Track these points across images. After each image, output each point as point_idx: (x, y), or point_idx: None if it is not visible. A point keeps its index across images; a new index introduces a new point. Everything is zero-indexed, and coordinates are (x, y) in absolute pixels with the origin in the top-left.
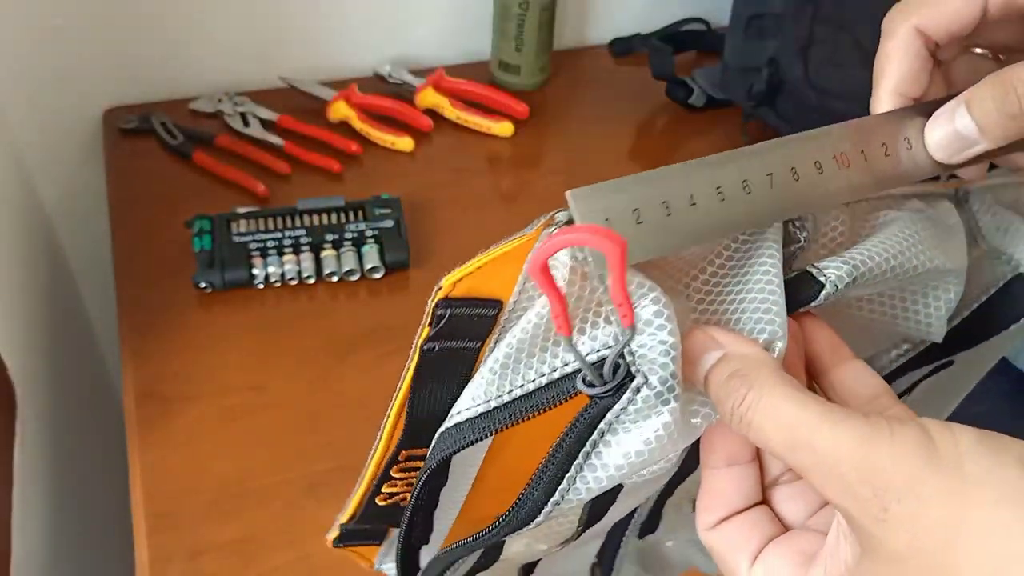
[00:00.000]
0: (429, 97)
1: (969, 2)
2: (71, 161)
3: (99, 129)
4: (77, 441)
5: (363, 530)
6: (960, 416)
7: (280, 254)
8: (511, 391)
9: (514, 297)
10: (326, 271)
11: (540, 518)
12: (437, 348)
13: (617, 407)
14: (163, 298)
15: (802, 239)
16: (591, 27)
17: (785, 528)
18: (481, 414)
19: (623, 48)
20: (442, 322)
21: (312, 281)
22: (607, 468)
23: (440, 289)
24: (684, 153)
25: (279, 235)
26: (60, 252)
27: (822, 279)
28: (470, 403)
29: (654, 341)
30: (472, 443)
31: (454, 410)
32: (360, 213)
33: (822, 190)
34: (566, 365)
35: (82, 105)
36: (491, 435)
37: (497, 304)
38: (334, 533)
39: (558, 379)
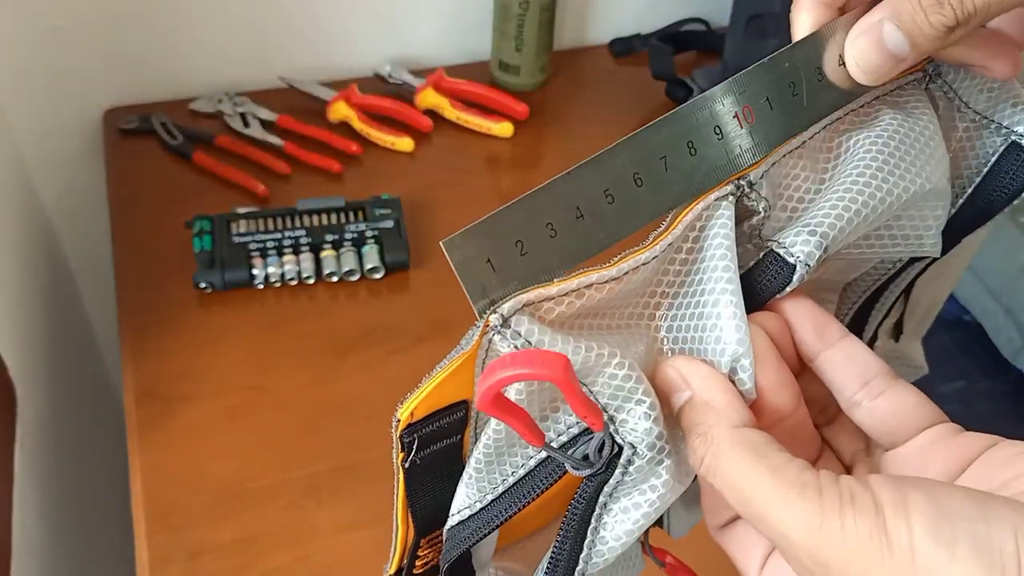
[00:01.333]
0: (429, 97)
1: None
2: (71, 161)
3: (99, 129)
4: (77, 441)
5: None
6: (962, 417)
7: (280, 254)
8: (504, 480)
9: (477, 392)
10: (326, 271)
11: None
12: (419, 461)
13: (612, 481)
14: (163, 298)
15: (761, 209)
16: (591, 27)
17: None
18: (480, 510)
19: (623, 48)
20: (413, 446)
21: (312, 281)
22: (619, 537)
23: (399, 421)
24: None
25: (279, 235)
26: (60, 252)
27: (791, 260)
28: (465, 501)
29: (635, 414)
30: (481, 538)
31: (453, 509)
32: (360, 213)
33: (723, 158)
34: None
35: (82, 105)
36: (496, 528)
37: (462, 404)
38: None
39: (544, 459)
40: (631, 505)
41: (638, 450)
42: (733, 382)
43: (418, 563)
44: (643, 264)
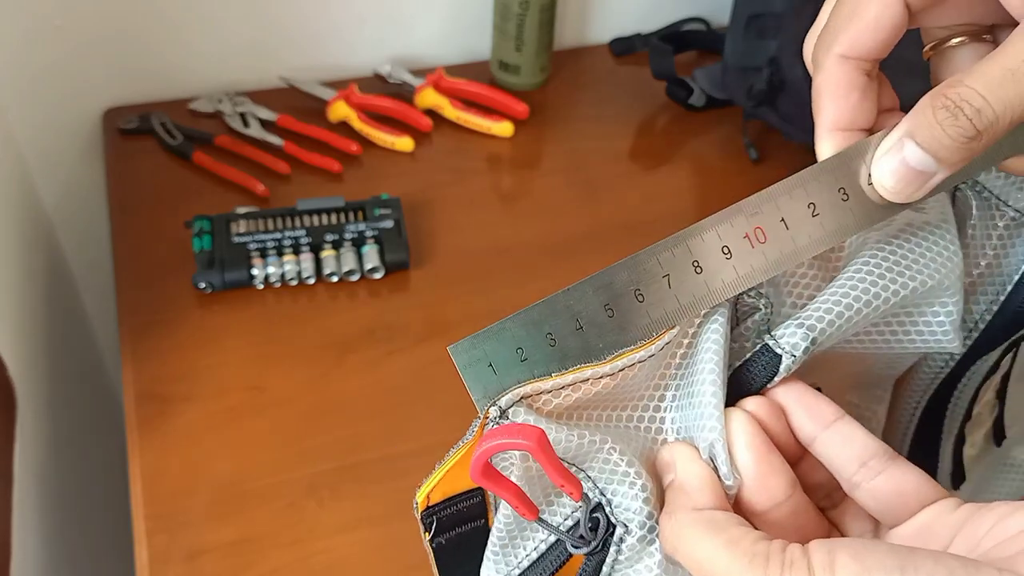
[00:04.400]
0: (429, 97)
1: (886, 4)
2: (71, 161)
3: (99, 129)
4: (77, 441)
5: None
6: None
7: (280, 254)
8: (519, 564)
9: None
10: (326, 271)
11: None
12: (445, 541)
13: (609, 559)
14: (163, 298)
15: (761, 306)
16: (591, 27)
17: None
18: None
19: (623, 48)
20: (434, 526)
21: (312, 281)
22: None
23: (417, 505)
24: (685, 153)
25: (279, 235)
26: (60, 252)
27: (778, 351)
28: None
29: (625, 493)
30: None
31: None
32: (360, 213)
33: (732, 274)
34: (551, 535)
35: (82, 105)
36: None
37: (478, 490)
38: None
39: (554, 543)
40: None
41: (629, 528)
42: (716, 466)
43: None
44: (639, 362)
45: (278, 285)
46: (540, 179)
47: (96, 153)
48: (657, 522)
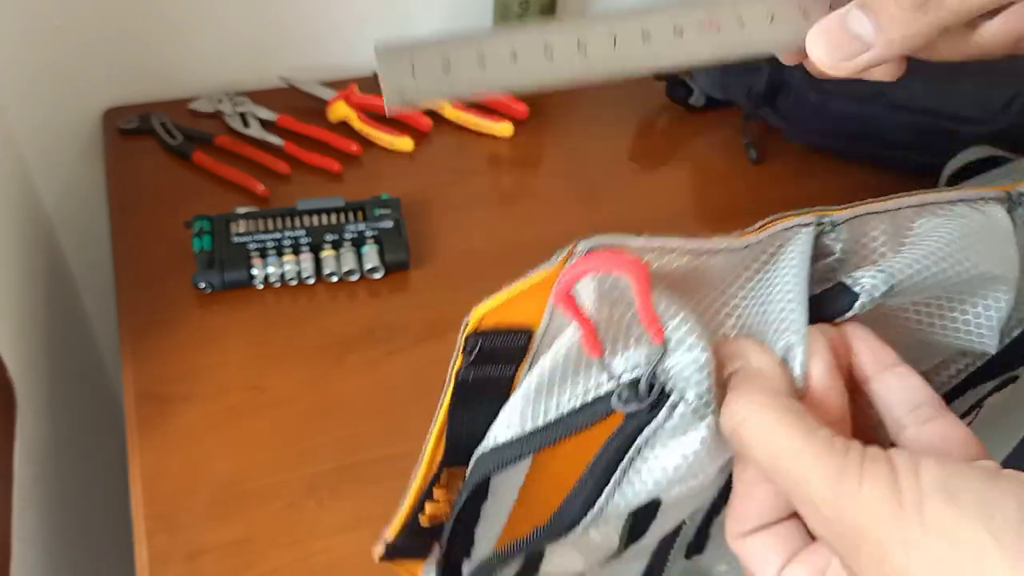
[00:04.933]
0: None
1: None
2: (70, 161)
3: (99, 129)
4: (77, 441)
5: (408, 545)
6: None
7: (280, 254)
8: (546, 414)
9: (543, 324)
10: (326, 271)
11: (578, 529)
12: (472, 376)
13: (654, 424)
14: (163, 298)
15: (837, 250)
16: None
17: (812, 539)
18: (517, 438)
19: None
20: (474, 352)
21: (312, 281)
22: (645, 483)
23: (468, 323)
24: (685, 153)
25: (279, 235)
26: (59, 252)
27: (856, 288)
28: (505, 428)
29: (687, 359)
30: (509, 463)
31: (490, 435)
32: (360, 213)
33: (679, 51)
34: (599, 387)
35: (82, 105)
36: (527, 456)
37: (527, 332)
38: (380, 548)
39: (592, 401)
40: (664, 454)
41: (686, 397)
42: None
43: (428, 505)
44: (721, 249)
45: (278, 285)
46: (540, 179)
47: (96, 153)
48: (712, 399)
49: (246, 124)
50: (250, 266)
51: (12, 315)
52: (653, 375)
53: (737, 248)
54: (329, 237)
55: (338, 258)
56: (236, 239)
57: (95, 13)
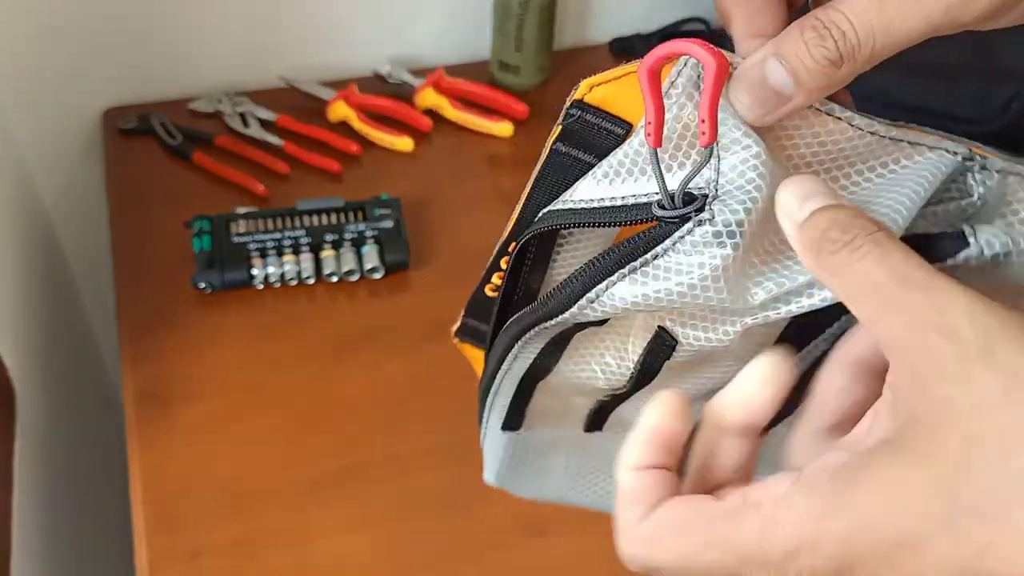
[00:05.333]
0: (429, 97)
1: None
2: (71, 161)
3: (99, 129)
4: (77, 441)
5: (473, 328)
6: None
7: (280, 254)
8: (601, 200)
9: (640, 124)
10: (326, 271)
11: (573, 309)
12: (564, 151)
13: (677, 235)
14: (163, 298)
15: (976, 197)
16: (591, 27)
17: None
18: (569, 209)
19: (623, 48)
20: (571, 120)
21: (312, 281)
22: (646, 288)
23: (577, 89)
24: None
25: (279, 235)
26: (59, 252)
27: (971, 239)
28: (561, 201)
29: (741, 184)
30: (549, 228)
31: (559, 199)
32: (360, 213)
33: None
34: (649, 195)
35: (82, 105)
36: (567, 227)
37: (626, 125)
38: (456, 324)
39: (642, 204)
40: (677, 268)
41: (715, 218)
42: None
43: (494, 277)
44: (852, 124)
45: (278, 285)
46: None
47: (96, 153)
48: (744, 234)
49: (246, 124)
50: (250, 266)
51: (12, 315)
52: (692, 186)
53: (864, 130)
54: (329, 237)
55: (338, 258)
56: (236, 239)
57: (95, 14)
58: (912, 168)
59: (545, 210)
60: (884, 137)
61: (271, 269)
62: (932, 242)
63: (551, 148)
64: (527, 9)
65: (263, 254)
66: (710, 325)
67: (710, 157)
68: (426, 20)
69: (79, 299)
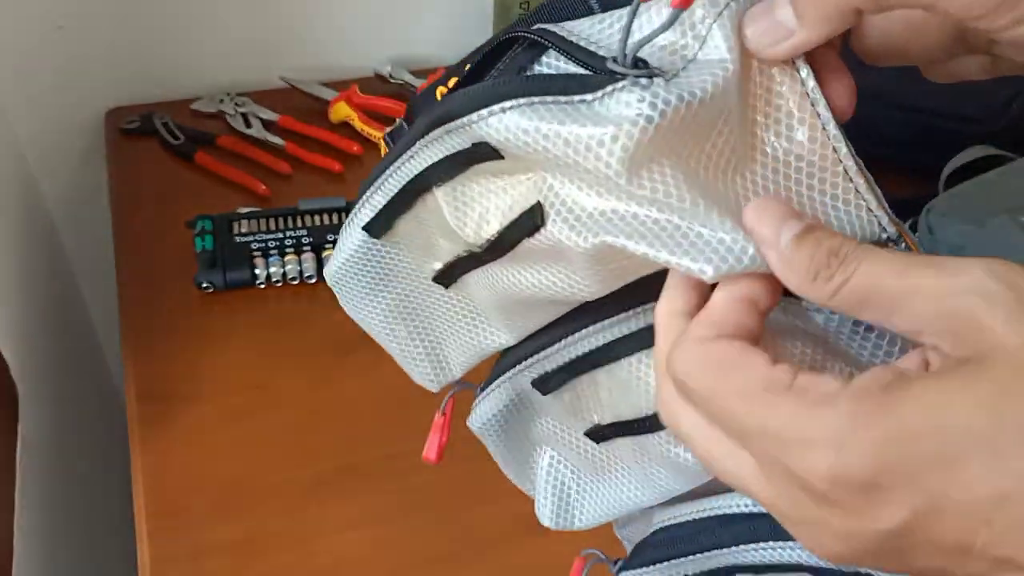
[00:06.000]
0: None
1: None
2: (73, 161)
3: (101, 129)
4: (79, 440)
5: (399, 130)
6: None
7: (282, 254)
8: (588, 41)
9: None
10: None
11: (472, 116)
12: None
13: (610, 87)
14: (165, 298)
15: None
16: None
17: None
18: (563, 37)
19: None
20: None
21: (313, 281)
22: (540, 124)
23: None
24: None
25: (281, 235)
26: (62, 252)
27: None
28: (558, 26)
29: (694, 82)
30: (539, 38)
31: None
32: None
33: None
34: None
35: (84, 105)
36: (552, 46)
37: None
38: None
39: (601, 56)
40: (583, 115)
41: (653, 87)
42: None
43: (450, 83)
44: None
45: (280, 285)
46: None
47: (98, 153)
48: (654, 129)
49: (248, 124)
50: (252, 266)
51: (14, 315)
52: (643, 46)
53: (830, 141)
54: (331, 237)
55: None
56: (238, 239)
57: (97, 14)
58: (830, 203)
59: (540, 25)
60: (841, 163)
61: (273, 269)
62: None
63: None
64: (527, 9)
65: (265, 254)
66: (587, 208)
67: (673, 22)
68: (427, 21)
69: (81, 299)
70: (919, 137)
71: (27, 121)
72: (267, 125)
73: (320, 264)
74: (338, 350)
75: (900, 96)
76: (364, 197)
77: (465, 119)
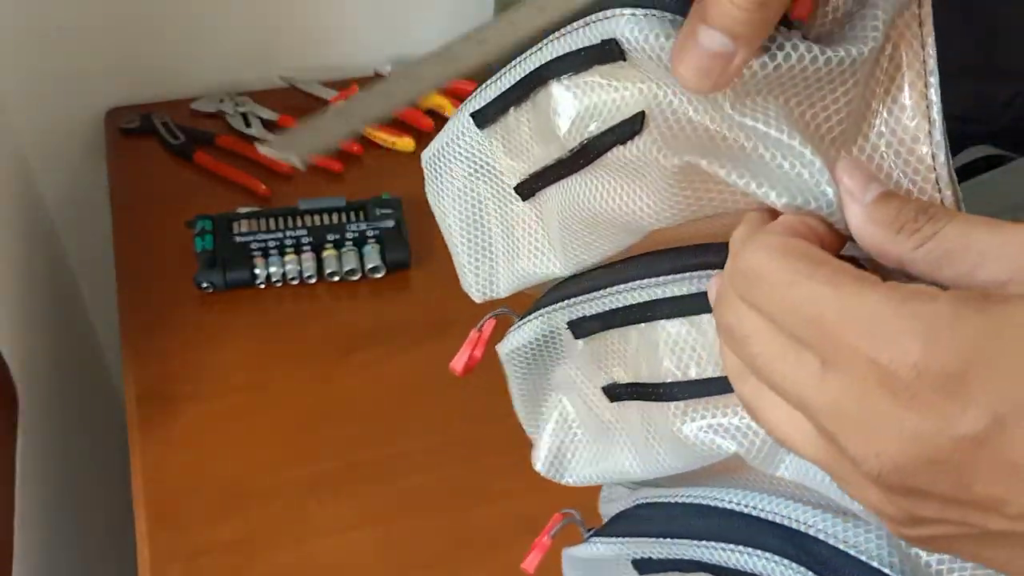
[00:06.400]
0: (430, 97)
1: None
2: (73, 161)
3: (101, 129)
4: (78, 440)
5: None
6: None
7: (281, 254)
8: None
9: None
10: (327, 271)
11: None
12: None
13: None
14: (165, 298)
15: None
16: None
17: None
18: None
19: None
20: None
21: (313, 281)
22: (662, 30)
23: None
24: None
25: (280, 235)
26: (61, 252)
27: None
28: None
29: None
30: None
31: None
32: (361, 213)
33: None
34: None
35: (84, 105)
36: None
37: None
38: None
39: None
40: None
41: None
42: None
43: None
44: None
45: (280, 285)
46: None
47: (98, 153)
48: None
49: (248, 124)
50: (252, 266)
51: (14, 315)
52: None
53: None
54: (331, 237)
55: (340, 257)
56: (238, 239)
57: (97, 14)
58: None
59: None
60: (935, 170)
61: (273, 268)
62: None
63: None
64: None
65: (265, 253)
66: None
67: None
68: (427, 20)
69: (81, 299)
70: None
71: (27, 121)
72: (267, 125)
73: (320, 264)
74: (338, 350)
75: None
76: (481, 88)
77: (605, 12)
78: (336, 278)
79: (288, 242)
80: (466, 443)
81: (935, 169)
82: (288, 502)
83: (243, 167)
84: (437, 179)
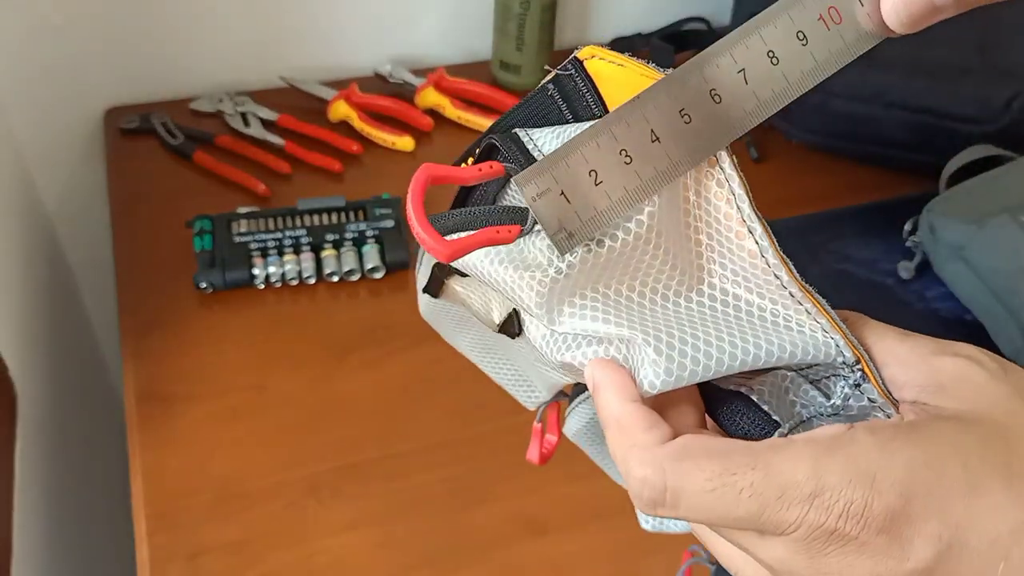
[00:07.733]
0: (430, 97)
1: None
2: (72, 161)
3: (100, 129)
4: (77, 440)
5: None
6: None
7: (281, 254)
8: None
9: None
10: (327, 271)
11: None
12: (551, 94)
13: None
14: (164, 298)
15: (834, 402)
16: (592, 27)
17: None
18: (524, 145)
19: (624, 48)
20: (567, 74)
21: (313, 281)
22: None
23: (581, 50)
24: None
25: (280, 235)
26: (60, 252)
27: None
28: (526, 132)
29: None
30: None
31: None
32: (361, 213)
33: (809, 64)
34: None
35: (83, 105)
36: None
37: (601, 110)
38: None
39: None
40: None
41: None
42: None
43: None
44: (775, 275)
45: (279, 285)
46: None
47: (97, 153)
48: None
49: (247, 124)
50: (251, 266)
51: (13, 315)
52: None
53: (770, 269)
54: (330, 237)
55: (339, 258)
56: (237, 239)
57: (96, 13)
58: (783, 329)
59: (517, 129)
60: (784, 288)
61: (272, 269)
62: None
63: (542, 85)
64: (528, 9)
65: (264, 254)
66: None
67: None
68: (427, 20)
69: (80, 299)
70: (919, 137)
71: (26, 121)
72: (266, 124)
73: (319, 264)
74: (337, 350)
75: (900, 96)
76: (419, 258)
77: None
78: (335, 278)
79: (287, 242)
80: (466, 443)
81: (784, 287)
82: (288, 502)
83: (242, 167)
84: (440, 329)
